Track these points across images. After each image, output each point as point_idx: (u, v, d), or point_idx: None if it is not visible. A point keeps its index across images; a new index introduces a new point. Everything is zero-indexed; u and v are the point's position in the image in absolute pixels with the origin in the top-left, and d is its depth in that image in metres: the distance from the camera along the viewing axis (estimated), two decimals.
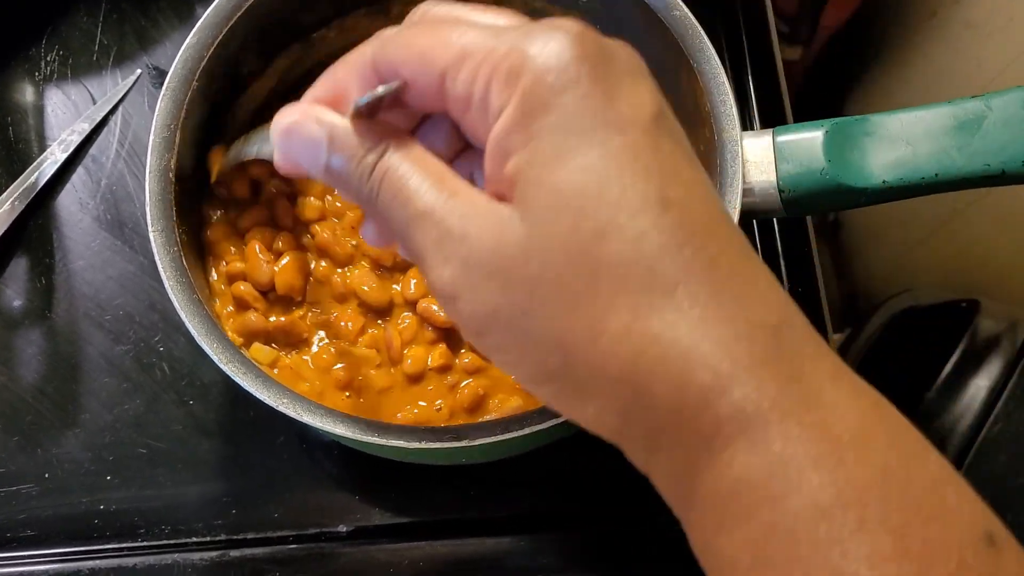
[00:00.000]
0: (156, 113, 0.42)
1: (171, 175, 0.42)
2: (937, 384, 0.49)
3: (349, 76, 0.28)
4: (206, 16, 0.44)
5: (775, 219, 0.54)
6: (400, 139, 0.26)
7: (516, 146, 0.24)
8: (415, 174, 0.25)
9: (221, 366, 0.38)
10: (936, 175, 0.39)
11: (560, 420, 0.37)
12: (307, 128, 0.27)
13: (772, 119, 0.56)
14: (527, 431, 0.37)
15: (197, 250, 0.44)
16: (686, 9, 0.43)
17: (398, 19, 0.51)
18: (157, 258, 0.40)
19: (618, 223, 0.22)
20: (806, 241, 0.54)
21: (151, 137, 0.42)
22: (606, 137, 0.23)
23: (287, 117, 0.27)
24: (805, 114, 0.52)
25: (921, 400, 0.49)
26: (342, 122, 0.26)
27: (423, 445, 0.37)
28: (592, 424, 0.25)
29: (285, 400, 0.38)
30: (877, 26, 0.70)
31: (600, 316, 0.23)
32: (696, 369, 0.22)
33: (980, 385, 0.48)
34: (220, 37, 0.44)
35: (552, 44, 0.23)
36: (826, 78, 0.76)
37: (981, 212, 0.60)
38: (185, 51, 0.43)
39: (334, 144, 0.26)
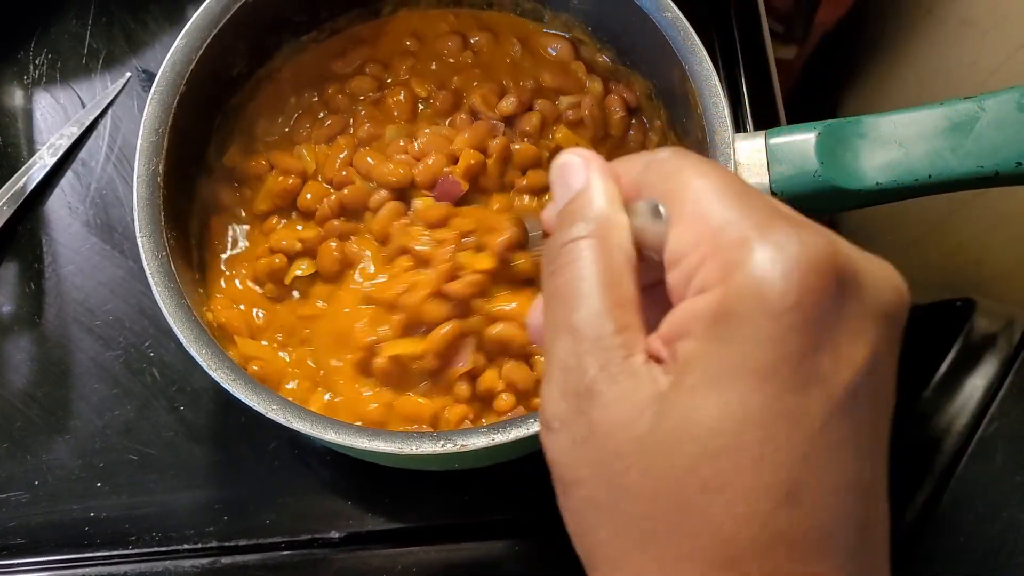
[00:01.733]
0: (144, 118, 0.42)
1: (159, 180, 0.42)
2: (933, 383, 0.49)
3: (622, 173, 0.26)
4: (194, 19, 0.44)
5: None
6: (609, 236, 0.24)
7: (696, 334, 0.21)
8: (594, 280, 0.23)
9: (210, 372, 0.38)
10: (929, 176, 0.39)
11: None
12: (573, 166, 0.26)
13: (765, 120, 0.55)
14: (513, 437, 0.37)
15: (185, 255, 0.44)
16: (677, 10, 0.43)
17: (389, 20, 0.51)
18: (145, 264, 0.40)
19: (724, 496, 0.20)
20: None
21: (139, 142, 0.42)
22: (776, 392, 0.20)
23: (574, 156, 0.26)
24: (800, 112, 0.52)
25: (917, 399, 0.49)
26: (601, 184, 0.25)
27: (413, 450, 0.37)
28: None
29: (275, 407, 0.38)
30: (872, 23, 0.70)
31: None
32: None
33: (976, 384, 0.48)
34: (208, 40, 0.44)
35: (779, 265, 0.20)
36: (821, 76, 0.75)
37: (975, 211, 0.60)
38: (173, 54, 0.43)
39: (574, 200, 0.25)
